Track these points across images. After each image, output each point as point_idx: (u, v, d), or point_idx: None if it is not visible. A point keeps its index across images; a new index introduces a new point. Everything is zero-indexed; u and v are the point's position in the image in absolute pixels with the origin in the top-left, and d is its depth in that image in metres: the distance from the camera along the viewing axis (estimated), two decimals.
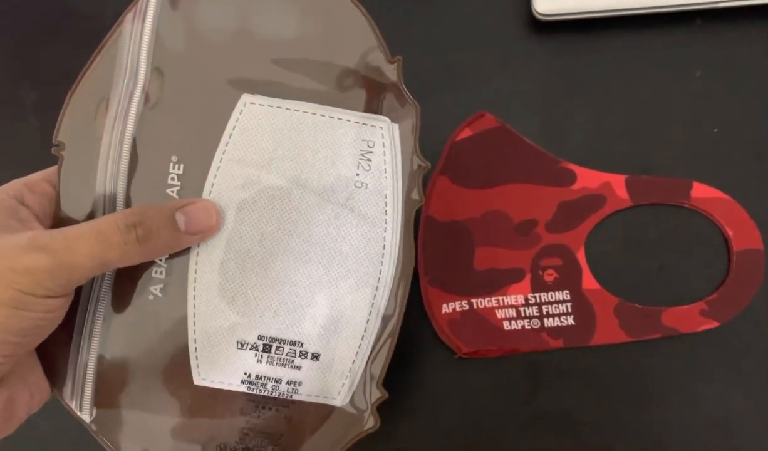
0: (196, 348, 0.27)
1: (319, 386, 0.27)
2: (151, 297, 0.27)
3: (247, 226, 0.27)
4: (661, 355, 0.34)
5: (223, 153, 0.27)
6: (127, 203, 0.27)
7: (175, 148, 0.27)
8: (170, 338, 0.27)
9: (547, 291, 0.34)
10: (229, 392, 0.27)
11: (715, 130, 0.36)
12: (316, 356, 0.27)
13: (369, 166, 0.27)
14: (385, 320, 0.28)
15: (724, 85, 0.36)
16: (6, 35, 0.40)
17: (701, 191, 0.35)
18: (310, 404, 0.28)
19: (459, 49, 0.37)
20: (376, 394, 0.28)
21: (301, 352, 0.27)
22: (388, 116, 0.27)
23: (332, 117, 0.27)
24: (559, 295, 0.34)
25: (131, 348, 0.27)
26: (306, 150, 0.27)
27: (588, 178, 0.35)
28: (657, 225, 0.35)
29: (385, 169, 0.27)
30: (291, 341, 0.27)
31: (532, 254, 0.35)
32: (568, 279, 0.34)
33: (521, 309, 0.34)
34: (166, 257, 0.26)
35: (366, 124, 0.27)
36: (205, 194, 0.26)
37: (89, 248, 0.23)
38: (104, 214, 0.26)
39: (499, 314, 0.34)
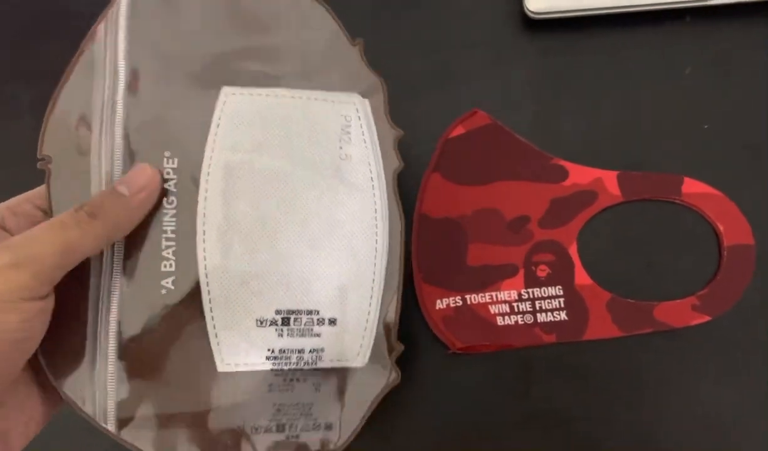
0: (216, 334, 0.27)
1: (339, 350, 0.28)
2: (164, 291, 0.26)
3: (248, 208, 0.27)
4: (653, 349, 0.34)
5: (214, 142, 0.27)
6: None
7: (167, 145, 0.27)
8: (189, 329, 0.27)
9: (540, 286, 0.35)
10: (255, 372, 0.27)
11: (706, 126, 0.36)
12: (332, 321, 0.28)
13: (349, 138, 0.29)
14: (388, 277, 0.29)
15: (714, 82, 0.36)
16: (1, 34, 0.40)
17: (692, 187, 0.35)
18: (333, 369, 0.29)
19: (451, 47, 0.38)
20: (393, 347, 0.29)
21: (318, 319, 0.28)
22: (358, 92, 0.30)
23: (309, 98, 0.29)
24: (551, 290, 0.34)
25: (151, 348, 0.26)
26: (291, 131, 0.28)
27: (580, 175, 0.35)
28: (648, 220, 0.35)
29: (364, 140, 0.29)
30: (307, 310, 0.28)
31: (525, 250, 0.35)
32: (561, 275, 0.35)
33: (514, 304, 0.34)
34: (173, 248, 0.27)
35: (341, 102, 0.29)
36: (202, 184, 0.27)
37: (47, 235, 0.23)
38: None
39: (493, 309, 0.34)
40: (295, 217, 0.27)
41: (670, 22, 0.37)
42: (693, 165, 0.35)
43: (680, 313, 0.34)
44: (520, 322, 0.34)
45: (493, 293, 0.35)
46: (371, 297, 0.29)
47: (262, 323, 0.27)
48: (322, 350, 0.28)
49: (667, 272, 0.35)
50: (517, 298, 0.34)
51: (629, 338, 0.34)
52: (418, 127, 0.37)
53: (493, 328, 0.34)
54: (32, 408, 0.26)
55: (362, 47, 0.30)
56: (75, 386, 0.26)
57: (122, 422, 0.26)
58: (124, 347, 0.26)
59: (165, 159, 0.27)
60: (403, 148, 0.36)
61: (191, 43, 0.28)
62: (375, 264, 0.29)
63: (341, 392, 0.29)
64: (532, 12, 0.36)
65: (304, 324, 0.28)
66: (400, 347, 0.29)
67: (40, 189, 0.27)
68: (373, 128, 0.30)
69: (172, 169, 0.27)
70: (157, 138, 0.27)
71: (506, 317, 0.34)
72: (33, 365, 0.26)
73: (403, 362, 0.35)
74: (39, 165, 0.26)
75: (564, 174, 0.35)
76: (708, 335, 0.34)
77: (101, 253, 0.26)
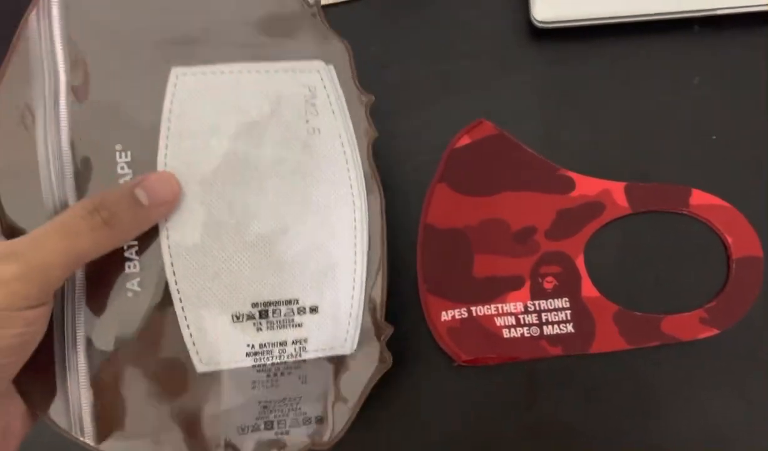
0: (191, 334, 0.26)
1: (325, 339, 0.27)
2: (130, 294, 0.25)
3: (213, 197, 0.26)
4: (661, 363, 0.34)
5: (168, 129, 0.26)
6: None
7: (118, 136, 0.26)
8: (161, 332, 0.26)
9: (546, 298, 0.34)
10: (236, 370, 0.26)
11: (714, 137, 0.36)
12: (314, 309, 0.27)
13: (316, 111, 0.27)
14: (371, 257, 0.28)
15: (723, 92, 0.36)
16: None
17: (700, 198, 0.35)
18: (321, 359, 0.27)
19: (458, 56, 0.37)
20: (382, 330, 0.28)
21: (298, 309, 0.27)
22: (321, 59, 0.28)
23: (267, 71, 0.27)
24: (558, 302, 0.34)
25: (122, 354, 0.25)
26: (250, 108, 0.26)
27: (587, 186, 0.35)
28: (656, 232, 0.35)
29: (333, 110, 0.27)
30: (286, 300, 0.27)
31: (532, 262, 0.35)
32: (568, 286, 0.34)
33: (520, 316, 0.34)
34: (135, 247, 0.25)
35: (303, 71, 0.27)
36: None
37: (57, 243, 0.22)
38: None
39: (499, 321, 0.34)
40: (265, 201, 0.26)
41: (678, 32, 0.37)
42: (701, 176, 0.35)
43: (688, 326, 0.34)
44: (526, 334, 0.34)
45: (499, 305, 0.34)
46: (354, 279, 0.27)
47: (238, 318, 0.26)
48: (306, 340, 0.27)
49: (675, 285, 0.34)
50: (523, 310, 0.34)
51: (636, 350, 0.34)
52: (423, 137, 0.36)
53: (499, 340, 0.34)
54: None
55: (319, 5, 0.28)
56: (49, 408, 0.25)
57: (101, 436, 0.25)
58: (97, 364, 0.25)
59: (117, 153, 0.26)
60: (408, 157, 0.36)
61: (134, 23, 0.26)
62: (355, 244, 0.27)
63: (330, 382, 0.28)
64: (539, 21, 0.36)
65: (284, 315, 0.27)
66: (389, 329, 0.28)
67: None
68: (342, 97, 0.28)
69: (126, 163, 0.26)
70: (106, 131, 0.26)
71: (512, 329, 0.34)
72: None
73: (407, 374, 0.34)
74: None
75: (571, 185, 0.35)
76: (716, 348, 0.34)
77: None
